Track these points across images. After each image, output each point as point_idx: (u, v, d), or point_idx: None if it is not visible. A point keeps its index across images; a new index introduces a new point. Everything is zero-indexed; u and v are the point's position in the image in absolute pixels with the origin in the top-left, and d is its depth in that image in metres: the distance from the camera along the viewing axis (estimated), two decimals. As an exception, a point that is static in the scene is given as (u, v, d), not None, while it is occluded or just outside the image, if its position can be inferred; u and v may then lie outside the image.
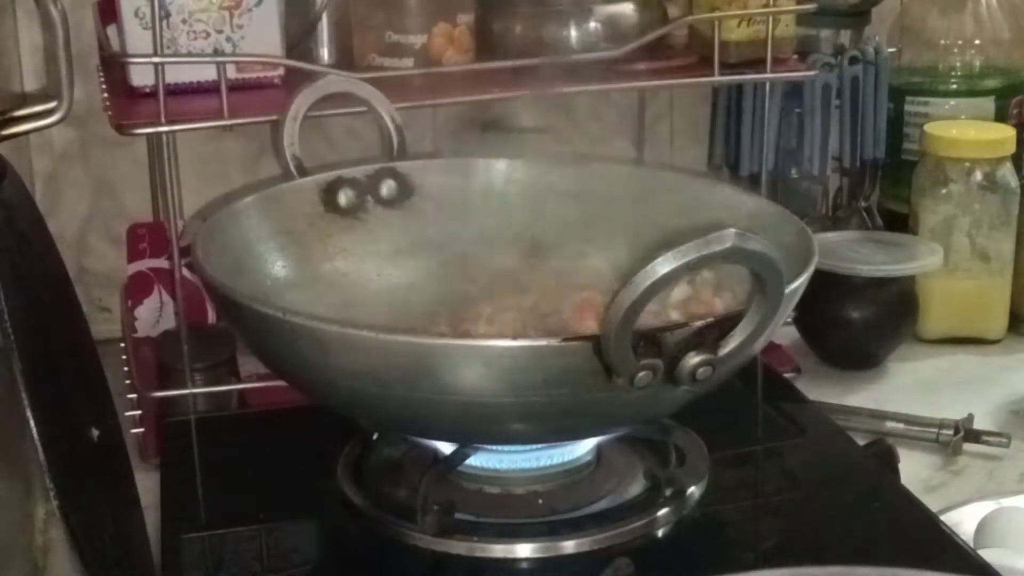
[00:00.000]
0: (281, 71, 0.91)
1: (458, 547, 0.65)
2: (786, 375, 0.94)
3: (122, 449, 0.74)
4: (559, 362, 0.57)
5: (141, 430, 0.91)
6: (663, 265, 0.54)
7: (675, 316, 0.70)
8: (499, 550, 0.65)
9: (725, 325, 0.59)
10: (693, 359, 0.58)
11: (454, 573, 0.65)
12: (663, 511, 0.67)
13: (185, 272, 0.89)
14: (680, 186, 0.83)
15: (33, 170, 1.09)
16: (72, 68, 0.65)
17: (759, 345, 0.61)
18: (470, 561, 0.65)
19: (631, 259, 0.72)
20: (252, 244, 0.76)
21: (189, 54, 0.88)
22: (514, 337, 0.59)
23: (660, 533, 0.67)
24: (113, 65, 0.93)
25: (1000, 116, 1.14)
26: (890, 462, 0.80)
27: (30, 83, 1.06)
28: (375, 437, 0.73)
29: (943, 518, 0.71)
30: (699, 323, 0.59)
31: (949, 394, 0.99)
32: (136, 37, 0.87)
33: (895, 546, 0.66)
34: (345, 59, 0.97)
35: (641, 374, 0.57)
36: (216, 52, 0.88)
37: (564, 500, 0.68)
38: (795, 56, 1.00)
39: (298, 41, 0.95)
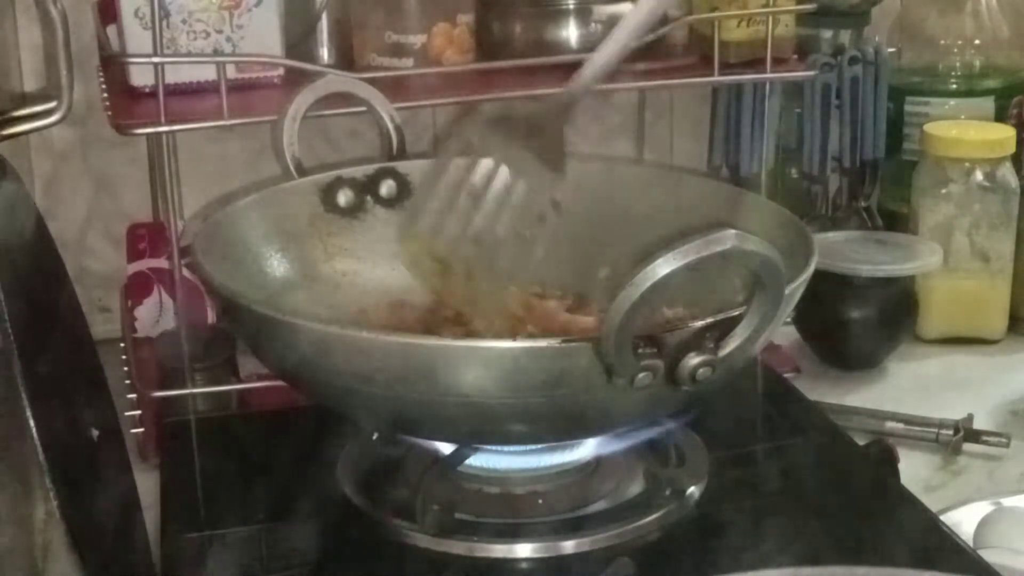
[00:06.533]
0: (281, 71, 0.91)
1: (458, 547, 0.65)
2: (786, 375, 0.94)
3: (122, 449, 0.74)
4: (559, 363, 0.57)
5: (141, 430, 0.91)
6: (663, 266, 0.54)
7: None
8: (499, 550, 0.65)
9: (725, 325, 0.59)
10: (693, 360, 0.58)
11: (454, 573, 0.65)
12: (663, 511, 0.67)
13: (185, 272, 0.89)
14: (680, 186, 0.83)
15: (33, 170, 1.09)
16: (72, 68, 0.65)
17: (759, 345, 0.61)
18: (470, 561, 0.65)
19: (631, 259, 0.72)
20: (252, 244, 0.76)
21: (189, 54, 0.88)
22: (514, 338, 0.59)
23: (660, 533, 0.67)
24: (113, 65, 0.93)
25: (1000, 116, 1.14)
26: (890, 462, 0.80)
27: (30, 83, 1.06)
28: (375, 437, 0.73)
29: (943, 518, 0.71)
30: (699, 323, 0.58)
31: (949, 394, 0.99)
32: (136, 37, 0.87)
33: (895, 546, 0.66)
34: (345, 59, 0.97)
35: (641, 375, 0.57)
36: (216, 52, 0.88)
37: (564, 500, 0.68)
38: (795, 56, 1.00)
39: (298, 41, 0.95)
